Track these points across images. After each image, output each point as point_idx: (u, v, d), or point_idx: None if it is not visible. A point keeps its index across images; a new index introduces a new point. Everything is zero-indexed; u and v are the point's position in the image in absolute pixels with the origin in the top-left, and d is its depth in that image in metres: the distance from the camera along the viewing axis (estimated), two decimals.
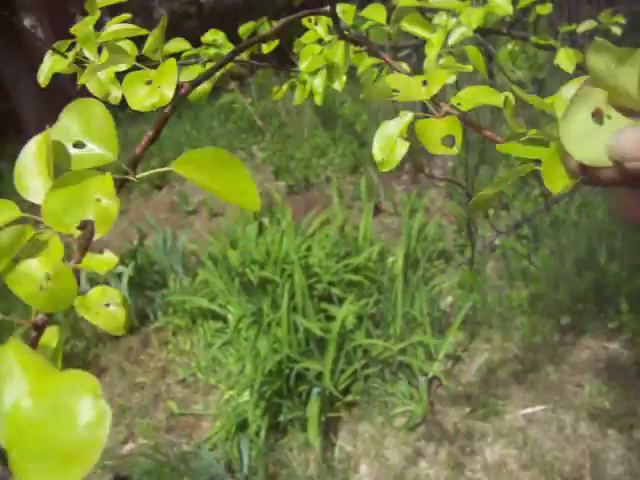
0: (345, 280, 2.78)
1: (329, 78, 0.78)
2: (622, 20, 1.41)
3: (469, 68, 0.56)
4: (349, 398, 2.52)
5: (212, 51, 0.76)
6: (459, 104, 0.49)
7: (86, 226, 0.39)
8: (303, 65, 0.78)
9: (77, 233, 0.39)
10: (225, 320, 2.95)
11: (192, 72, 0.76)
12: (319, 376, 2.47)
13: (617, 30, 1.42)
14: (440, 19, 1.09)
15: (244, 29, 0.97)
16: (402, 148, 0.51)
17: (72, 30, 0.71)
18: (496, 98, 0.49)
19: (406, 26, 0.80)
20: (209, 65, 0.77)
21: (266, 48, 0.82)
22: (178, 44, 0.75)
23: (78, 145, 0.44)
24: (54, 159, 0.42)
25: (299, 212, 3.76)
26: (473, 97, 0.50)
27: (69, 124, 0.44)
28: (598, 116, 0.36)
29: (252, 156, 5.37)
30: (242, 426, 2.43)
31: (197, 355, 2.97)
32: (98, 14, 0.69)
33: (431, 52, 0.62)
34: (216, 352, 2.82)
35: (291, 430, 2.46)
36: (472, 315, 2.83)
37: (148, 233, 3.95)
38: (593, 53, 0.36)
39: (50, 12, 7.13)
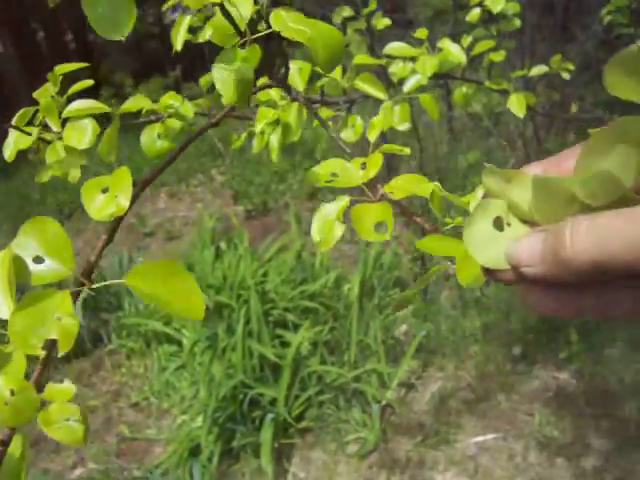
0: (301, 306, 2.79)
1: (284, 136, 0.80)
2: (571, 67, 1.47)
3: (407, 151, 0.59)
4: (303, 424, 2.52)
5: (171, 109, 0.78)
6: (391, 192, 0.52)
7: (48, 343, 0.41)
8: (258, 127, 0.80)
9: (42, 354, 0.41)
10: (180, 344, 2.93)
11: (152, 131, 0.77)
12: (273, 402, 2.47)
13: (566, 75, 1.48)
14: (396, 67, 1.13)
15: (204, 81, 1.00)
16: (338, 230, 0.54)
17: (34, 95, 0.72)
18: (426, 188, 0.52)
19: (359, 84, 0.84)
20: (169, 122, 0.78)
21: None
22: (138, 101, 0.77)
23: (37, 260, 0.46)
24: (15, 274, 0.43)
25: (257, 237, 3.77)
26: (405, 185, 0.53)
27: (27, 240, 0.46)
28: (498, 224, 0.40)
29: (211, 179, 5.37)
30: (195, 451, 2.41)
31: (150, 379, 2.94)
32: (60, 80, 0.70)
33: (372, 134, 0.65)
34: (170, 376, 2.80)
35: (244, 456, 2.45)
36: (426, 343, 2.85)
37: (104, 254, 3.91)
38: (487, 176, 0.41)
39: (10, 27, 7.08)
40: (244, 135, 0.88)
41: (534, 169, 0.41)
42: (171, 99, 0.78)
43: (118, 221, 0.50)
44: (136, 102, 0.79)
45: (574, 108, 1.97)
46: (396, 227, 3.97)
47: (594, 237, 0.33)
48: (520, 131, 3.84)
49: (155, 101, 0.82)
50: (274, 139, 0.80)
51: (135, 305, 3.30)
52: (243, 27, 0.53)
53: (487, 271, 0.40)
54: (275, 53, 0.62)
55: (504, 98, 1.34)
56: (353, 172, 0.56)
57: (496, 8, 1.28)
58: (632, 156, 0.33)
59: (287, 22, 0.55)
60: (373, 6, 1.15)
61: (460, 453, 2.40)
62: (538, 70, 1.52)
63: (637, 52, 0.29)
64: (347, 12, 1.25)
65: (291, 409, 2.49)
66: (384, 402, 2.57)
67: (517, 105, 1.28)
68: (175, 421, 2.68)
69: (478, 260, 0.40)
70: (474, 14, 1.34)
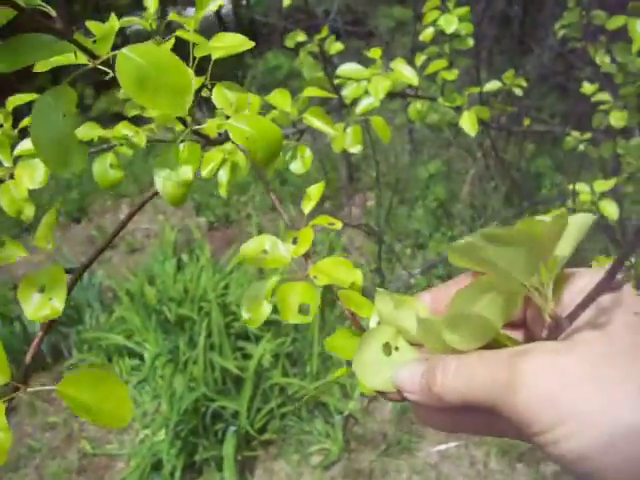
0: None
1: (232, 173, 0.82)
2: (523, 83, 1.51)
3: (338, 226, 0.61)
4: (266, 436, 2.52)
5: (122, 135, 0.78)
6: (315, 277, 0.53)
7: None
8: (205, 172, 0.81)
9: None
10: (141, 357, 2.91)
11: (104, 160, 0.78)
12: (235, 415, 2.46)
13: (518, 91, 1.51)
14: (349, 89, 1.14)
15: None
16: (266, 309, 0.55)
17: None
18: (352, 274, 0.53)
19: (308, 118, 0.85)
20: (120, 150, 0.79)
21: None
22: (88, 130, 0.77)
23: None
24: None
25: (219, 249, 3.76)
26: (330, 270, 0.54)
27: None
28: (387, 349, 0.43)
29: None
30: (157, 466, 2.40)
31: None
32: (9, 115, 0.70)
33: (307, 205, 0.67)
34: (131, 390, 2.77)
35: (207, 469, 2.44)
36: None
37: (66, 267, 3.87)
38: (379, 299, 0.45)
39: None
40: (209, 167, 0.88)
41: (424, 297, 0.46)
42: (124, 129, 0.78)
43: (50, 324, 0.51)
44: (88, 131, 0.79)
45: (527, 121, 2.01)
46: (358, 237, 3.99)
47: (461, 377, 0.38)
48: (479, 142, 3.89)
49: (117, 114, 0.82)
50: (222, 175, 0.81)
51: (96, 318, 3.27)
52: (185, 115, 0.52)
53: (377, 391, 0.44)
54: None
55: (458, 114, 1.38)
56: (284, 250, 0.57)
57: (449, 29, 1.31)
58: (503, 305, 0.38)
59: (229, 101, 0.56)
60: (325, 33, 1.16)
61: (422, 462, 2.43)
62: (492, 86, 1.56)
63: (465, 246, 0.34)
64: (300, 37, 1.27)
65: (253, 421, 2.49)
66: (346, 413, 2.58)
67: (469, 122, 1.31)
68: (137, 436, 2.65)
69: (366, 384, 0.43)
70: (427, 34, 1.36)
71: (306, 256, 0.56)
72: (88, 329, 3.22)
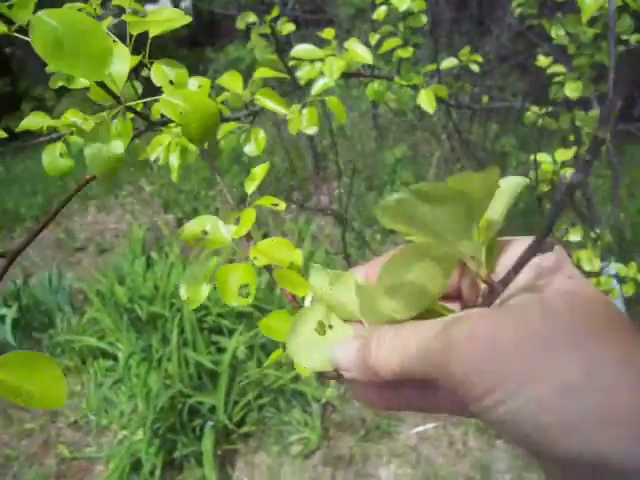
0: (235, 311, 2.78)
1: (182, 157, 0.81)
2: (479, 59, 1.51)
3: (282, 207, 0.60)
4: (244, 429, 2.51)
5: (74, 127, 0.76)
6: (255, 258, 0.52)
7: None
8: (153, 155, 0.80)
9: None
10: (115, 358, 2.88)
11: (54, 150, 0.76)
12: (213, 409, 2.45)
13: (475, 67, 1.51)
14: (304, 70, 1.13)
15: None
16: (205, 290, 0.54)
17: None
18: (292, 254, 0.53)
19: (259, 99, 0.84)
20: (71, 139, 0.77)
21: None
22: (37, 119, 0.75)
23: None
24: None
25: (188, 246, 3.74)
26: (269, 251, 0.54)
27: None
28: (320, 328, 0.43)
29: (140, 190, 5.30)
30: (136, 466, 2.38)
31: (88, 396, 2.88)
32: None
33: (250, 186, 0.66)
34: (107, 392, 2.75)
35: (187, 466, 2.43)
36: None
37: (34, 272, 3.82)
38: (313, 275, 0.45)
39: None
40: (148, 149, 0.87)
41: (358, 271, 0.45)
42: (73, 116, 0.76)
43: None
44: (35, 120, 0.77)
45: (485, 99, 2.01)
46: (328, 225, 3.99)
47: (395, 349, 0.37)
48: (442, 124, 3.90)
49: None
50: (173, 160, 0.80)
51: (68, 321, 3.24)
52: (118, 90, 0.51)
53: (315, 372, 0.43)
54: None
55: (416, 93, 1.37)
56: (224, 231, 0.56)
57: (402, 6, 1.30)
58: (437, 271, 0.37)
59: (167, 78, 0.54)
60: (276, 13, 1.14)
61: (402, 444, 2.44)
62: (448, 63, 1.56)
63: (396, 203, 0.32)
64: (252, 18, 1.25)
65: (231, 415, 2.48)
66: (324, 400, 2.58)
67: (426, 100, 1.31)
68: (116, 437, 2.63)
69: (303, 365, 0.42)
70: (380, 12, 1.36)
71: (248, 237, 0.55)
72: (60, 333, 3.19)
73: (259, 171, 0.63)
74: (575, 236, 1.61)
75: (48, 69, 0.55)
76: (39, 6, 0.47)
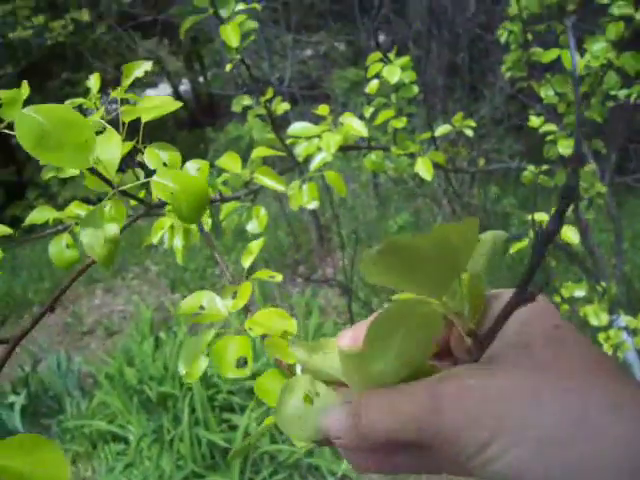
0: (245, 387, 2.75)
1: (186, 239, 0.83)
2: (472, 123, 1.54)
3: (279, 278, 0.62)
4: None
5: (75, 215, 0.78)
6: (250, 329, 0.53)
7: None
8: (155, 239, 0.82)
9: None
10: (127, 441, 2.84)
11: (60, 241, 0.78)
12: None
13: (469, 132, 1.54)
14: (301, 147, 1.15)
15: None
16: (203, 363, 0.55)
17: None
18: (286, 323, 0.54)
19: (258, 178, 0.86)
20: (76, 229, 0.79)
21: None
22: (43, 213, 0.77)
23: None
24: None
25: (196, 324, 3.73)
26: (265, 321, 0.55)
27: None
28: (308, 399, 0.42)
29: (147, 271, 5.33)
30: None
31: None
32: None
33: (247, 260, 0.67)
34: (119, 476, 2.70)
35: None
36: None
37: (42, 357, 3.81)
38: (295, 350, 0.44)
39: None
40: (158, 235, 0.88)
41: (345, 335, 0.45)
42: (77, 209, 0.78)
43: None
44: (41, 214, 0.79)
45: (482, 162, 2.04)
46: (334, 296, 3.99)
47: (385, 413, 0.37)
48: (443, 189, 3.94)
49: (84, 199, 0.82)
50: (177, 242, 0.82)
51: (77, 406, 3.21)
52: (110, 176, 0.52)
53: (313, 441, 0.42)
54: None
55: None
56: (220, 306, 0.57)
57: (393, 79, 1.34)
58: (423, 332, 0.36)
59: (161, 161, 0.56)
60: (270, 94, 1.17)
61: None
62: (443, 130, 1.59)
63: (375, 255, 0.32)
64: (247, 101, 1.29)
65: None
66: (340, 474, 2.53)
67: (424, 167, 1.33)
68: None
69: (291, 436, 0.42)
70: (372, 86, 1.39)
71: (246, 309, 0.56)
72: (69, 418, 3.15)
73: (254, 246, 0.64)
74: (580, 291, 1.61)
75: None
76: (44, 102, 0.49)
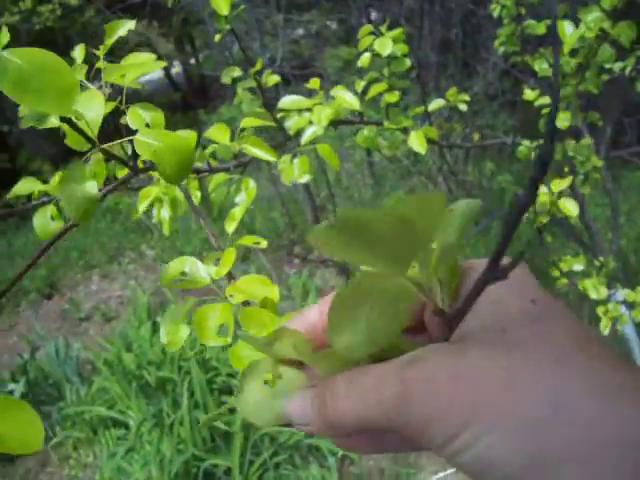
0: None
1: (173, 209, 0.81)
2: (466, 98, 1.52)
3: (264, 244, 0.61)
4: None
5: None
6: (231, 295, 0.52)
7: None
8: (141, 207, 0.80)
9: None
10: (127, 426, 2.84)
11: (45, 213, 0.76)
12: (228, 471, 2.41)
13: (463, 107, 1.52)
14: (292, 120, 1.13)
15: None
16: (185, 332, 0.54)
17: None
18: (270, 290, 0.52)
19: (248, 148, 0.84)
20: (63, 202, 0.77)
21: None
22: (28, 184, 0.76)
23: None
24: None
25: (193, 307, 3.72)
26: (246, 288, 0.53)
27: None
28: (270, 382, 0.39)
29: (142, 256, 5.31)
30: None
31: (101, 467, 2.83)
32: None
33: (230, 225, 0.66)
34: (120, 461, 2.70)
35: None
36: None
37: (40, 345, 3.80)
38: (244, 340, 0.41)
39: None
40: (141, 207, 0.87)
41: (312, 312, 0.41)
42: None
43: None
44: (26, 185, 0.77)
45: (476, 137, 2.02)
46: (332, 276, 3.98)
47: (352, 399, 0.34)
48: (438, 166, 3.93)
49: None
50: (165, 214, 0.80)
51: (77, 392, 3.20)
52: (93, 135, 0.50)
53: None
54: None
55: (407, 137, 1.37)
56: (204, 271, 0.56)
57: (384, 52, 1.31)
58: (392, 305, 0.33)
59: (143, 121, 0.54)
60: (259, 66, 1.15)
61: None
62: (436, 104, 1.57)
63: (324, 232, 0.29)
64: (236, 72, 1.26)
65: (248, 476, 2.43)
66: (341, 453, 2.53)
67: (417, 142, 1.31)
68: None
69: (256, 422, 0.39)
70: (364, 59, 1.37)
71: (229, 276, 0.55)
72: (70, 404, 3.15)
73: (237, 212, 0.63)
74: (579, 265, 1.60)
75: (20, 111, 0.55)
76: None
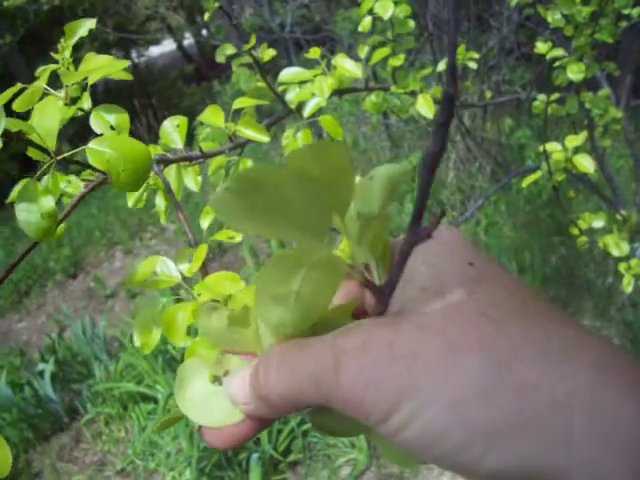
0: None
1: (167, 200, 0.81)
2: (476, 55, 1.48)
3: (237, 239, 0.59)
4: (291, 457, 2.48)
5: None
6: (199, 294, 0.50)
7: None
8: (130, 201, 0.79)
9: None
10: (156, 401, 2.87)
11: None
12: (257, 441, 2.42)
13: (473, 65, 1.48)
14: (293, 93, 1.10)
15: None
16: (156, 333, 0.52)
17: None
18: (236, 287, 0.51)
19: (241, 130, 0.82)
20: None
21: None
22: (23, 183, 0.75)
23: None
24: None
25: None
26: (215, 285, 0.51)
27: None
28: (215, 378, 0.37)
29: (164, 230, 5.33)
30: None
31: (133, 441, 2.87)
32: None
33: (205, 219, 0.65)
34: (151, 435, 2.74)
35: None
36: None
37: (68, 324, 3.85)
38: (204, 318, 0.37)
39: None
40: (145, 194, 0.85)
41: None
42: (61, 179, 0.75)
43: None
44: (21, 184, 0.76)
45: (488, 94, 1.98)
46: None
47: (284, 372, 0.32)
48: (455, 125, 3.86)
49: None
50: (159, 202, 0.79)
51: (106, 369, 3.24)
52: (52, 145, 0.48)
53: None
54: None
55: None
56: (172, 270, 0.55)
57: (386, 15, 1.27)
58: (321, 278, 0.31)
59: (108, 124, 0.52)
60: (253, 42, 1.11)
61: None
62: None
63: (225, 196, 0.25)
64: (230, 50, 1.23)
65: (276, 444, 2.45)
66: None
67: (425, 105, 1.28)
68: (164, 479, 2.61)
69: (199, 422, 0.36)
70: (365, 23, 1.32)
71: (203, 273, 0.53)
72: (99, 382, 3.19)
73: (209, 209, 0.61)
74: (599, 222, 1.56)
75: None
76: None
